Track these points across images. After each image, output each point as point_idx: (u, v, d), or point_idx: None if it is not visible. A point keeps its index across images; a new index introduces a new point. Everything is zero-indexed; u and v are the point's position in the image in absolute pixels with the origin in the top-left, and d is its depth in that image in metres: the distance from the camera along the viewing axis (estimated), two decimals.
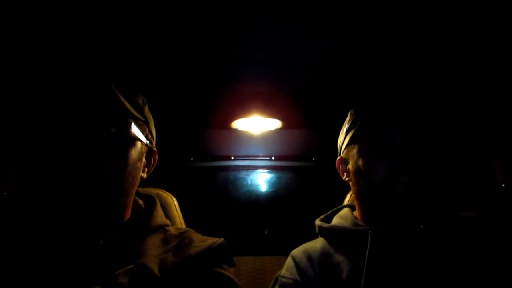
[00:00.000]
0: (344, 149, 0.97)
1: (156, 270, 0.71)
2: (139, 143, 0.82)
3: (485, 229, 0.86)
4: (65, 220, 0.76)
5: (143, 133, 0.83)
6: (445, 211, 0.93)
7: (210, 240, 0.82)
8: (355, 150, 0.92)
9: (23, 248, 0.72)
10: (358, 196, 0.93)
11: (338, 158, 1.00)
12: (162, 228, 0.84)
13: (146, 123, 0.86)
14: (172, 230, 0.86)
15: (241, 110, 1.43)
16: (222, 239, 0.84)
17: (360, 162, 0.90)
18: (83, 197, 0.72)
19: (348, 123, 0.97)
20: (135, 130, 0.79)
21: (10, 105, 1.17)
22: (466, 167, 1.58)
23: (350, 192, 1.16)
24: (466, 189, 1.55)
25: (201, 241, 0.82)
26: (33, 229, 0.76)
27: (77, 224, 0.75)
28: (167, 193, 1.12)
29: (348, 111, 1.01)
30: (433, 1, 0.81)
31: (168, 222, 0.88)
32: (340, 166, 0.98)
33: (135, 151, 0.80)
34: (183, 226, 1.09)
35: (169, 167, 2.10)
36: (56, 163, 0.74)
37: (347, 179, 0.97)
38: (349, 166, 0.94)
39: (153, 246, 0.77)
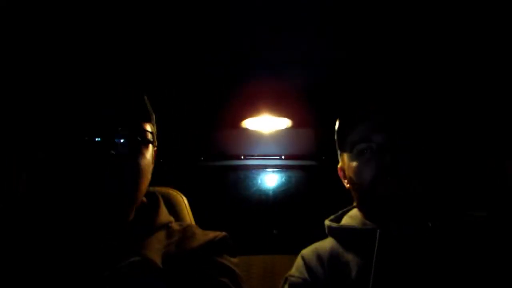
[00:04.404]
0: (340, 157, 0.97)
1: (158, 261, 0.72)
2: (151, 145, 0.83)
3: (495, 229, 0.84)
4: (74, 219, 0.76)
5: (153, 135, 0.84)
6: (454, 210, 0.92)
7: (212, 234, 0.84)
8: (345, 158, 0.93)
9: (27, 244, 0.72)
10: (356, 203, 0.93)
11: (339, 166, 0.99)
12: (166, 225, 0.85)
13: (154, 122, 0.87)
14: (175, 225, 0.87)
15: (251, 109, 1.44)
16: (224, 232, 0.85)
17: (350, 170, 0.90)
18: (103, 200, 0.74)
19: (336, 132, 0.97)
20: (151, 134, 0.81)
21: (21, 107, 1.19)
22: (474, 166, 1.56)
23: None
24: (475, 188, 1.53)
25: (204, 235, 0.83)
26: (38, 226, 0.76)
27: (84, 223, 0.75)
28: (177, 191, 1.13)
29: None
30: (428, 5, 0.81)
31: (172, 219, 0.89)
32: (340, 174, 0.98)
33: (149, 154, 0.81)
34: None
35: (179, 166, 2.12)
36: (74, 165, 0.75)
37: (348, 185, 0.95)
38: (346, 173, 0.94)
39: (157, 240, 0.78)
